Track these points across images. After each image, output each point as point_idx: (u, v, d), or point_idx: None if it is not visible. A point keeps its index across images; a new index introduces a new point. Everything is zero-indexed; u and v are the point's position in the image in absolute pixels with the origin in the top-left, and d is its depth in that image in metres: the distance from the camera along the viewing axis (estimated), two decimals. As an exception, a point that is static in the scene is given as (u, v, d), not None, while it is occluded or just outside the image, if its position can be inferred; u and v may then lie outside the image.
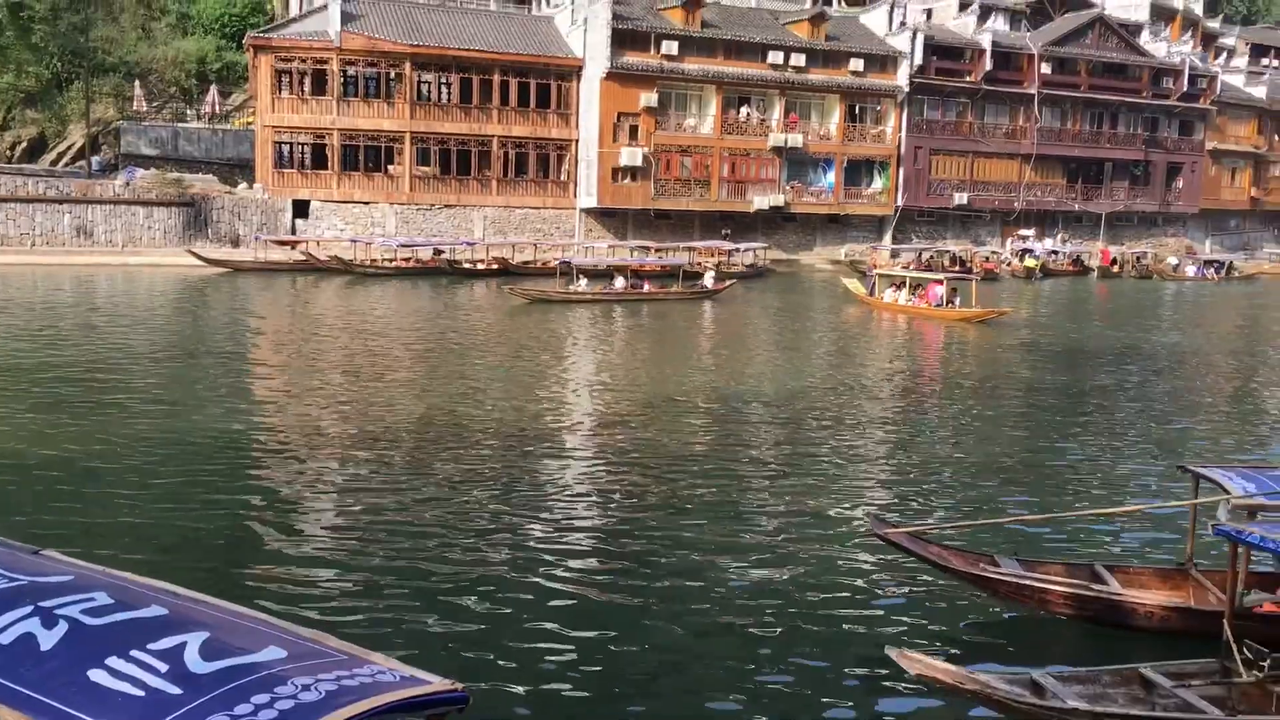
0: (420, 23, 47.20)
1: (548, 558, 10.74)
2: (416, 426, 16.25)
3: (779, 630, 9.31)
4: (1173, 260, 57.92)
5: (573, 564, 10.65)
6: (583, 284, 36.09)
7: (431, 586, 9.86)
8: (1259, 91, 66.84)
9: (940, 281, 34.90)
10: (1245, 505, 8.99)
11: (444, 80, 47.05)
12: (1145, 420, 18.80)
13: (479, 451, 14.94)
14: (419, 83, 46.57)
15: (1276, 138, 67.82)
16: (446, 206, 46.98)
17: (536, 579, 10.15)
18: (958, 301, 33.64)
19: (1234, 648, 7.80)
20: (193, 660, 3.66)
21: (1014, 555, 10.19)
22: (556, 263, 38.37)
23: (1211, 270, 56.48)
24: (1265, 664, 7.63)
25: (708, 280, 39.31)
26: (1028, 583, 9.47)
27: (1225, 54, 73.65)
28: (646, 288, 37.13)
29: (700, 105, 50.06)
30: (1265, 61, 76.61)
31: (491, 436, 15.81)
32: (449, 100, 47.03)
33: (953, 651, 8.81)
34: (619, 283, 37.00)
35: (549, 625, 9.12)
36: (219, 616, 4.13)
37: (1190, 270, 56.36)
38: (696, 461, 14.85)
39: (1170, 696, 7.53)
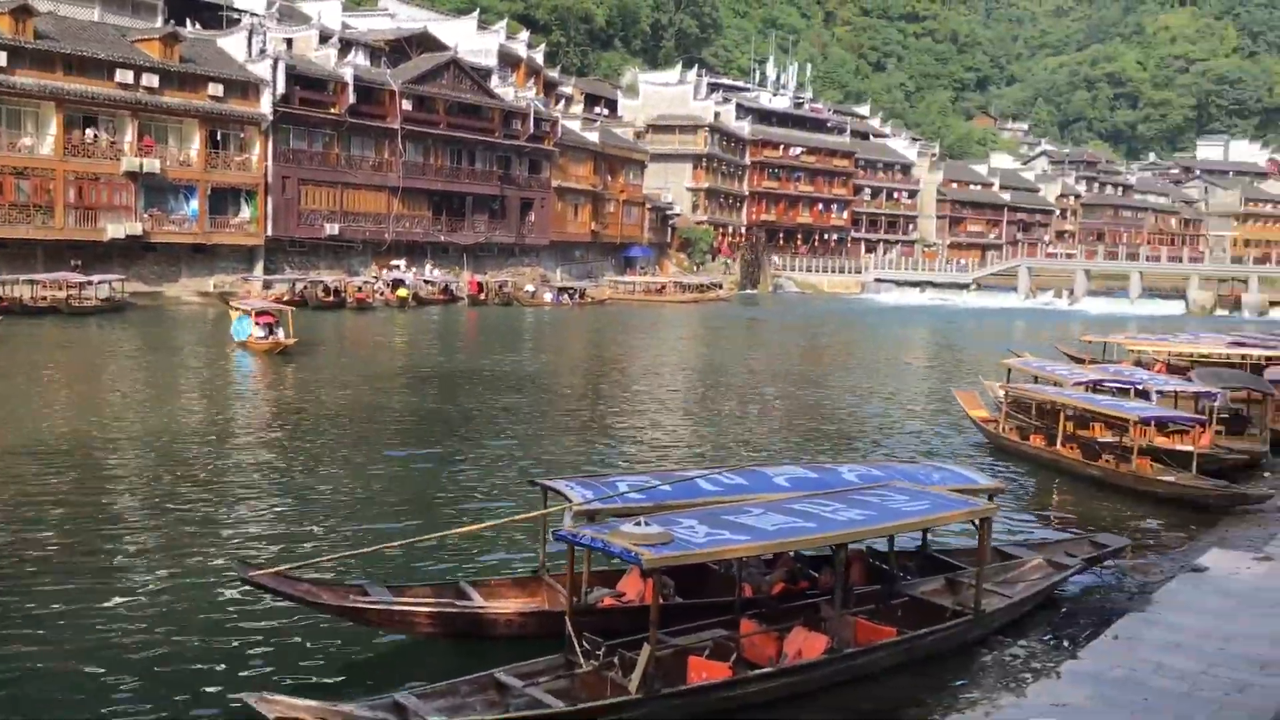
0: None
1: None
2: None
3: (138, 684, 8.76)
4: (530, 288, 62.99)
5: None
6: None
7: None
8: (593, 136, 74.99)
9: (263, 314, 33.29)
10: (585, 511, 9.91)
11: None
12: (507, 439, 20.11)
13: None
14: None
15: (609, 177, 76.46)
16: None
17: None
18: (281, 333, 33.00)
19: (575, 642, 8.57)
20: None
21: (384, 583, 10.34)
22: None
23: (566, 296, 62.26)
24: (600, 653, 8.47)
25: None
26: (395, 608, 9.66)
27: (564, 101, 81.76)
28: None
29: (38, 124, 45.06)
30: (597, 110, 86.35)
31: None
32: None
33: (323, 687, 8.73)
34: None
35: None
36: None
37: (548, 297, 61.66)
38: (42, 513, 13.32)
39: (521, 695, 8.08)
